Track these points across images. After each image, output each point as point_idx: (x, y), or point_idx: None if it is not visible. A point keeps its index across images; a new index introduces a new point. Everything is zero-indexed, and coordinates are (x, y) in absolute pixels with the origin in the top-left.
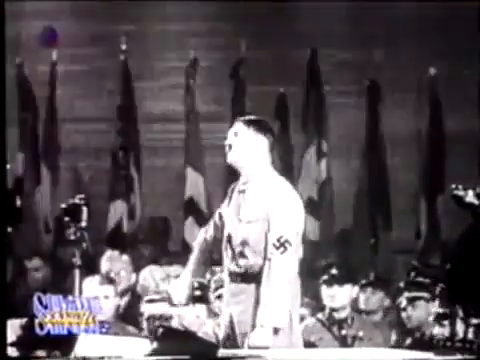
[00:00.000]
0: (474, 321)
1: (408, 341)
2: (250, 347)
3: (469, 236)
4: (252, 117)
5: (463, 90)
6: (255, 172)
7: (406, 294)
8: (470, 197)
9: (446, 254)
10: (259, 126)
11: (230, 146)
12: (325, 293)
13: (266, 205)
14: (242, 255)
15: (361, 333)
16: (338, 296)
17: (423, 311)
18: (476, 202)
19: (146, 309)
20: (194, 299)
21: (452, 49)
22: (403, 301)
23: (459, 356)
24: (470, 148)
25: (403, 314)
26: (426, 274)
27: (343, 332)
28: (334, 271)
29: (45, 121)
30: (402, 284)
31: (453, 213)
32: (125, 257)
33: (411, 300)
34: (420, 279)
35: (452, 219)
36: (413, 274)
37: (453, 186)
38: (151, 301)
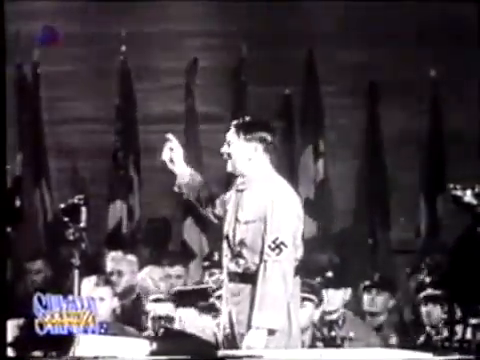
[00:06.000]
0: (472, 321)
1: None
2: (246, 348)
3: (467, 236)
4: (242, 122)
5: (463, 90)
6: (254, 174)
7: (427, 292)
8: (468, 197)
9: (446, 254)
10: (249, 132)
11: (228, 155)
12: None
13: (263, 206)
14: (240, 255)
15: (351, 334)
16: (331, 299)
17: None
18: (474, 202)
19: (152, 308)
20: (194, 301)
21: (452, 49)
22: (423, 299)
23: (458, 356)
24: (470, 148)
25: (423, 310)
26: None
27: (333, 333)
28: (330, 274)
29: (44, 121)
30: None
31: (453, 213)
32: (130, 257)
33: (431, 298)
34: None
35: (452, 219)
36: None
37: (451, 186)
38: (157, 300)
